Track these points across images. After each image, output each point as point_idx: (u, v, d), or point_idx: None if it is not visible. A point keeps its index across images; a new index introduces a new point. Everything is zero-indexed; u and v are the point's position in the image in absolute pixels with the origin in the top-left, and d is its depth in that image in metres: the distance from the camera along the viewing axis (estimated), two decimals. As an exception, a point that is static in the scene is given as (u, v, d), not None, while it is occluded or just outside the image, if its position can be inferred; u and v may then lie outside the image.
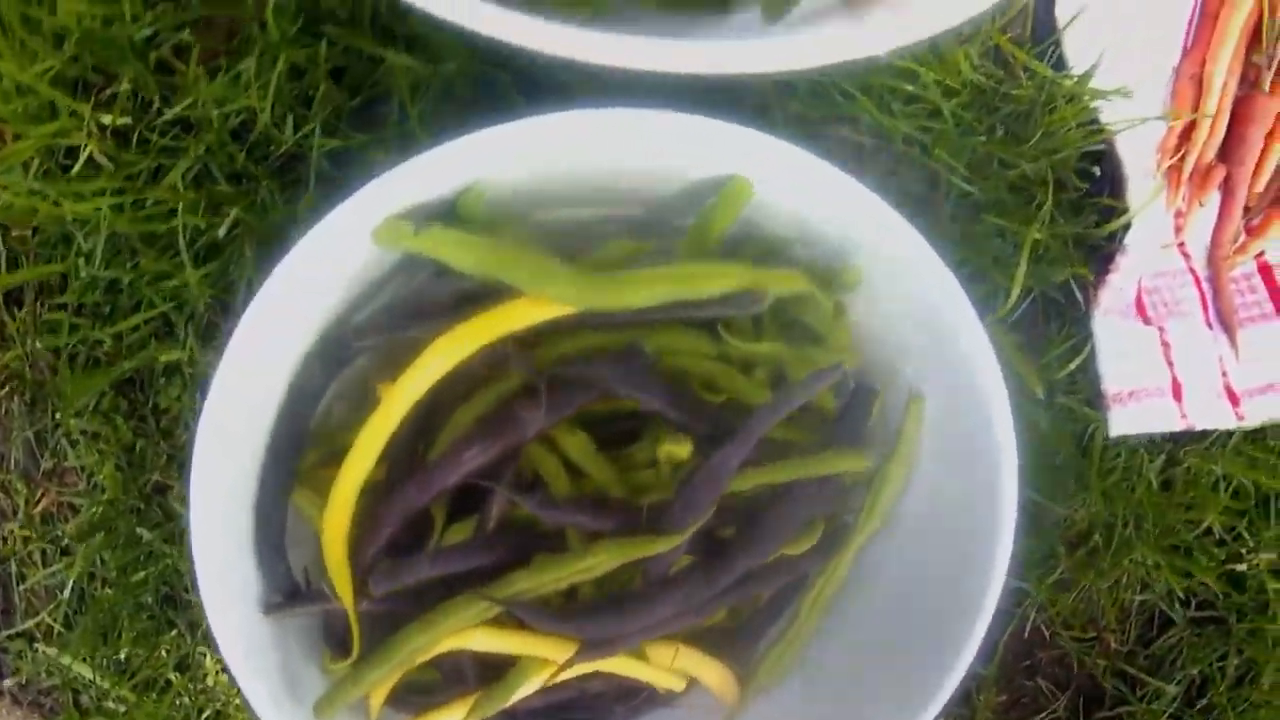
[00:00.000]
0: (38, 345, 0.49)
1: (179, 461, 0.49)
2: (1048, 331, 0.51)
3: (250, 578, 0.41)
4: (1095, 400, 0.51)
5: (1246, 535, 0.56)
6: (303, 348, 0.40)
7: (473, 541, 0.41)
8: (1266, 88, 0.52)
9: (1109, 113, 0.49)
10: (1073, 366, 0.49)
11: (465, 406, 0.41)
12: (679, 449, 0.40)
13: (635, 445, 0.42)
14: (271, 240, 0.46)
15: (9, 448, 0.51)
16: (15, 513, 0.52)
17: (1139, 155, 0.51)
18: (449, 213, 0.39)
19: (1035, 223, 0.46)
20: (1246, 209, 0.54)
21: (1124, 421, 0.50)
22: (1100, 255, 0.50)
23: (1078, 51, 0.50)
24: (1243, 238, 0.54)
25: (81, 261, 0.47)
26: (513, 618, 0.40)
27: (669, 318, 0.40)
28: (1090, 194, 0.50)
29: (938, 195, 0.48)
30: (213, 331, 0.48)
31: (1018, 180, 0.48)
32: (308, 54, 0.45)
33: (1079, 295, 0.50)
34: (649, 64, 0.36)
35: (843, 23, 0.42)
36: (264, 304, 0.36)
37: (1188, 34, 0.53)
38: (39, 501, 0.52)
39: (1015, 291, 0.46)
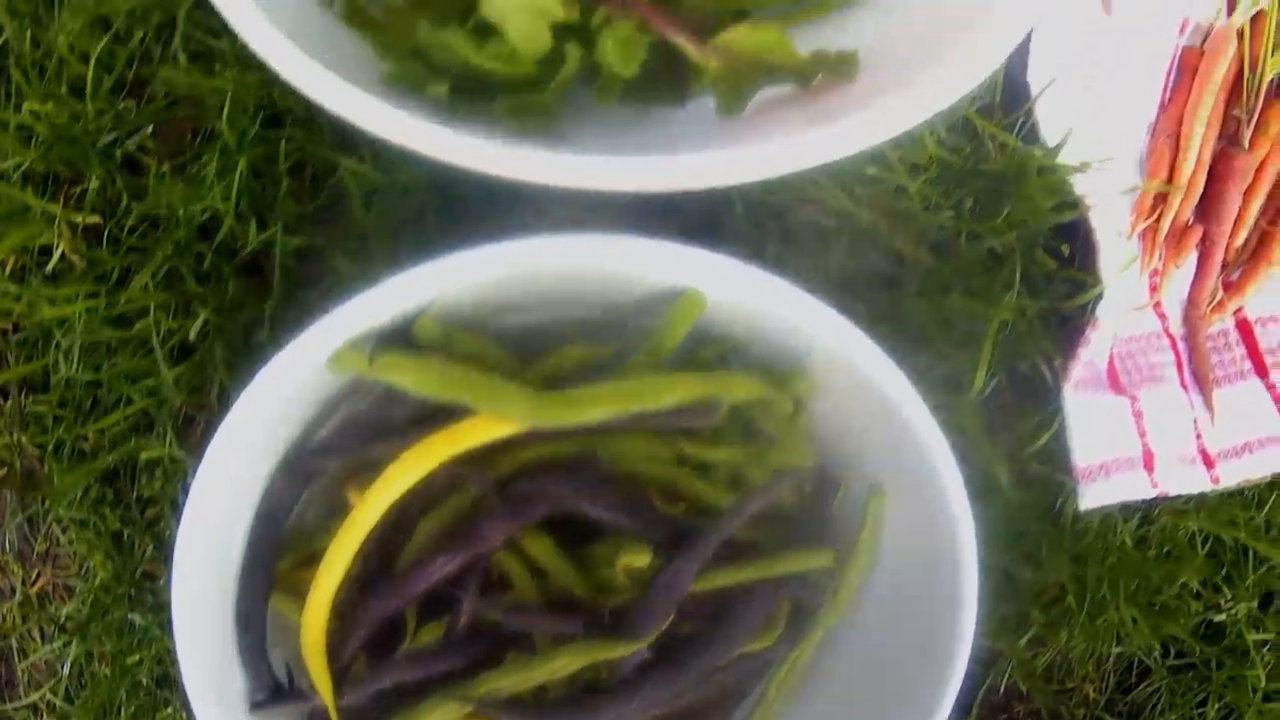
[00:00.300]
0: (23, 439, 0.50)
1: (165, 552, 0.50)
2: (1018, 405, 0.50)
3: (234, 677, 0.42)
4: (1066, 469, 0.50)
5: (1224, 586, 0.56)
6: (269, 466, 0.41)
7: (444, 643, 0.42)
8: (1246, 144, 0.51)
9: (1082, 182, 0.48)
10: (1043, 441, 0.49)
11: (430, 516, 0.42)
12: (637, 559, 0.40)
13: (598, 543, 0.43)
14: (242, 340, 0.47)
15: (3, 532, 0.53)
16: (13, 592, 0.54)
17: (1112, 218, 0.49)
18: (403, 333, 0.39)
19: (1002, 304, 0.46)
20: (1224, 265, 0.53)
21: (1095, 495, 0.50)
22: (1071, 328, 0.49)
23: (1050, 116, 0.48)
24: (1220, 295, 0.53)
25: (61, 358, 0.48)
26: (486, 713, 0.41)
27: (625, 426, 0.40)
28: (1060, 266, 0.49)
29: (904, 273, 0.47)
30: (192, 425, 0.49)
31: (985, 256, 0.47)
32: (267, 153, 0.45)
33: (1047, 373, 0.49)
34: (601, 184, 0.36)
35: (801, 123, 0.41)
36: (229, 429, 0.38)
37: (1165, 89, 0.51)
38: (35, 582, 0.53)
39: (980, 377, 0.45)
